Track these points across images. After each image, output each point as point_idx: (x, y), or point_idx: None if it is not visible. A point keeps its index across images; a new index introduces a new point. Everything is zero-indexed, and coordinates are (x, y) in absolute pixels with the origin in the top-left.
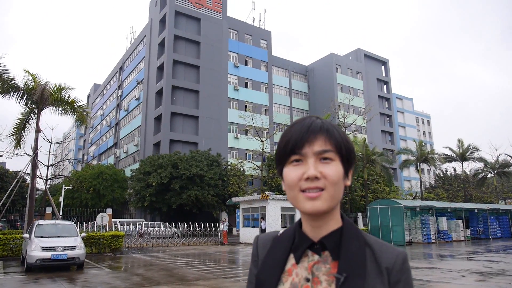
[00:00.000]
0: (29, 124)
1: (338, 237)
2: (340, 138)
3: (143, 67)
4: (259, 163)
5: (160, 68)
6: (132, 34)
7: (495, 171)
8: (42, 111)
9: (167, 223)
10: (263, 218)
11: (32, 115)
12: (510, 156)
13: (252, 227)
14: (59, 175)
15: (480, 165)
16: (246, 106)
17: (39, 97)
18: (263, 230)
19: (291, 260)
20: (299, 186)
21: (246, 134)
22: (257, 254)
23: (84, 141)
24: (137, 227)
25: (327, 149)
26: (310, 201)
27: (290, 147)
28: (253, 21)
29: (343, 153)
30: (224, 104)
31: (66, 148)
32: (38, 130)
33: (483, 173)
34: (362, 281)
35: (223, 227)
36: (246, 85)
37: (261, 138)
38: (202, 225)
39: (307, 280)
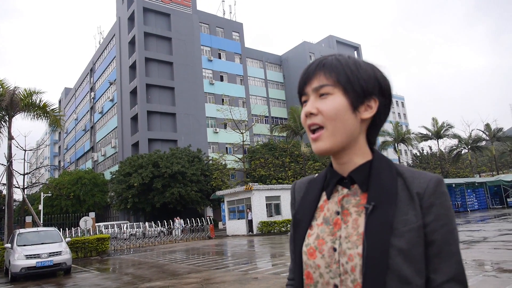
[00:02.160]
0: (1, 132)
1: (367, 170)
2: (341, 69)
3: (114, 67)
4: (240, 156)
5: (133, 67)
6: (100, 34)
7: (469, 147)
8: (13, 117)
9: (152, 223)
10: (249, 209)
11: (2, 122)
12: (482, 131)
13: (239, 219)
14: (36, 183)
15: (455, 141)
16: (223, 99)
17: (8, 103)
18: (250, 221)
19: (324, 197)
20: (306, 125)
21: (225, 128)
22: (294, 198)
23: (59, 147)
24: (181, 224)
25: (322, 84)
26: (313, 142)
27: (298, 90)
28: (224, 13)
29: (345, 83)
30: (200, 99)
31: (41, 156)
32: (10, 138)
33: (458, 149)
34: (391, 209)
35: (178, 225)
36: (222, 79)
37: (241, 131)
38: (188, 221)
39: (337, 213)
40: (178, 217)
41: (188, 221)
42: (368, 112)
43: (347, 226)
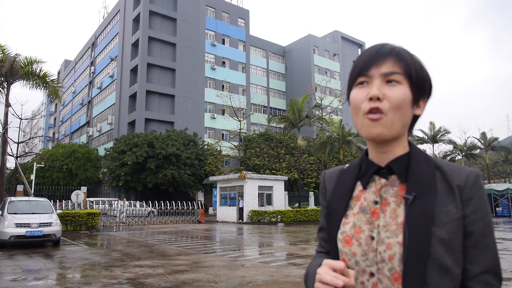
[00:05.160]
0: None
1: (405, 161)
2: (411, 62)
3: (116, 44)
4: (236, 143)
5: (135, 45)
6: (105, 8)
7: (463, 153)
8: (12, 84)
9: (144, 202)
10: (241, 196)
11: (1, 89)
12: (477, 139)
13: (230, 205)
14: (30, 152)
15: (450, 147)
16: (223, 85)
17: (8, 69)
18: (241, 209)
19: (359, 187)
20: (363, 108)
21: (223, 114)
22: (325, 187)
23: (55, 119)
24: (125, 205)
25: (394, 71)
26: (370, 124)
27: (358, 69)
28: None
29: (413, 78)
30: (200, 83)
31: (36, 126)
32: (7, 105)
33: (452, 155)
34: (431, 200)
35: (123, 206)
36: (224, 64)
37: (239, 118)
38: (179, 204)
39: (375, 202)
40: (124, 199)
41: (179, 204)
42: (419, 110)
43: (385, 215)
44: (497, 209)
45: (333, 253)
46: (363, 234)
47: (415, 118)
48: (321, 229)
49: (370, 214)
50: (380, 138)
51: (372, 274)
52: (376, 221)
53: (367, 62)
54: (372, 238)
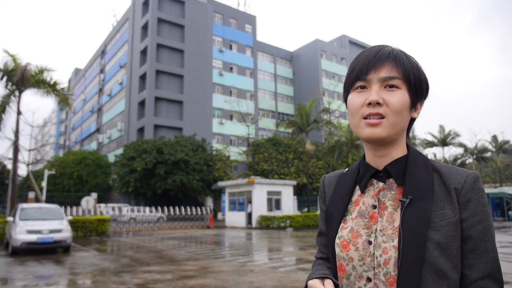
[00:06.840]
0: (10, 107)
1: (403, 164)
2: (409, 66)
3: (126, 51)
4: (244, 148)
5: (144, 52)
6: (114, 17)
7: (474, 156)
8: (23, 93)
9: (153, 208)
10: (250, 201)
11: (12, 97)
12: (488, 142)
13: (238, 211)
14: (41, 159)
15: (460, 150)
16: (231, 91)
17: (19, 78)
18: (249, 214)
19: (358, 191)
20: (361, 112)
21: (231, 120)
22: (324, 191)
23: (66, 126)
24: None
25: (392, 76)
26: (370, 127)
27: (356, 73)
28: (238, 5)
29: (411, 82)
30: (208, 89)
31: (47, 134)
32: (19, 113)
33: (463, 158)
34: (427, 203)
35: (104, 212)
36: (231, 70)
37: (247, 124)
38: (189, 209)
39: (374, 207)
40: (106, 205)
41: (189, 210)
42: (416, 113)
43: (383, 219)
44: (509, 212)
45: (332, 258)
46: (361, 239)
47: (412, 121)
48: (321, 233)
49: (368, 219)
50: (376, 138)
51: (369, 279)
52: (374, 225)
53: (365, 66)
54: (370, 242)
